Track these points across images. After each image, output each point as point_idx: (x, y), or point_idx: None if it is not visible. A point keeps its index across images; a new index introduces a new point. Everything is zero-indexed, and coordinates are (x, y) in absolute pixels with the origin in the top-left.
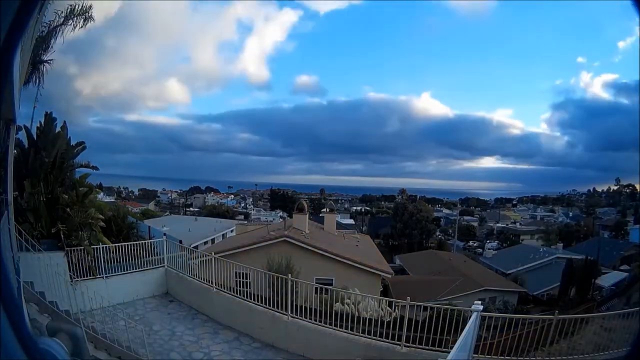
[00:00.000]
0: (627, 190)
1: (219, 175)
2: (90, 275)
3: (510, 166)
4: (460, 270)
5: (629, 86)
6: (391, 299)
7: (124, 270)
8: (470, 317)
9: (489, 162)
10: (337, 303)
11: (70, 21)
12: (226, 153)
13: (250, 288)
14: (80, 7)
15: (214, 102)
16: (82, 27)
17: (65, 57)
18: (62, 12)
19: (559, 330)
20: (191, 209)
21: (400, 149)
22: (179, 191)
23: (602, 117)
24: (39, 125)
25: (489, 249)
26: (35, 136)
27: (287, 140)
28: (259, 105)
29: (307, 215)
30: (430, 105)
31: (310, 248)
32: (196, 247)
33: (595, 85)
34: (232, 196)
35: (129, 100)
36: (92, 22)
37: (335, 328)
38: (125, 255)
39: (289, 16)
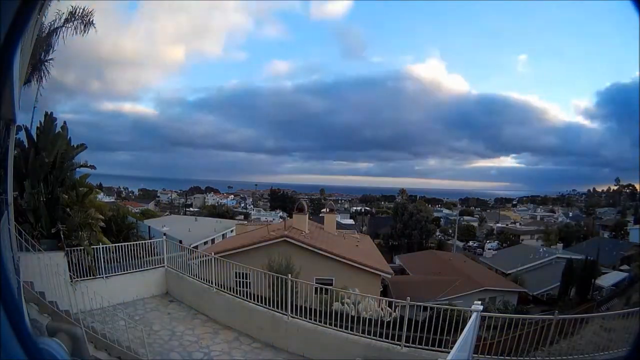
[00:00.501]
0: (627, 190)
1: (218, 175)
2: (90, 275)
3: (522, 166)
4: (460, 270)
5: None
6: (391, 299)
7: (124, 271)
8: (470, 317)
9: (506, 162)
10: (337, 303)
11: (71, 24)
12: (213, 150)
13: (250, 288)
14: (81, 11)
15: (209, 70)
16: (82, 31)
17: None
18: (63, 13)
19: (559, 331)
20: (191, 209)
21: (414, 145)
22: (179, 191)
23: None
24: (39, 125)
25: (489, 249)
26: (35, 136)
27: (287, 132)
28: (258, 83)
29: (307, 215)
30: (458, 86)
31: (310, 248)
32: (196, 247)
33: None
34: (232, 196)
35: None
36: (93, 28)
37: (335, 328)
38: (125, 255)
39: None
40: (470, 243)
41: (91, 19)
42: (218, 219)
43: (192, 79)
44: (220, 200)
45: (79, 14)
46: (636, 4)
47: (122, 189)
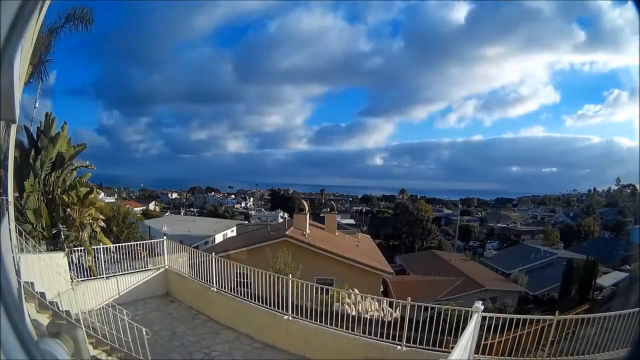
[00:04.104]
0: (627, 191)
1: (219, 176)
2: (90, 276)
3: None
4: (461, 270)
5: None
6: (392, 299)
7: (125, 271)
8: (470, 317)
9: None
10: (337, 303)
11: (71, 22)
12: None
13: (250, 288)
14: (80, 10)
15: None
16: (82, 28)
17: None
18: (63, 14)
19: (560, 331)
20: (192, 209)
21: None
22: (180, 191)
23: None
24: (39, 125)
25: (490, 249)
26: (35, 136)
27: None
28: None
29: (308, 215)
30: None
31: (310, 248)
32: (197, 247)
33: None
34: (233, 196)
35: None
36: (91, 24)
37: (335, 328)
38: (126, 255)
39: None
40: (471, 243)
41: (90, 17)
42: (218, 219)
43: None
44: (221, 201)
45: (78, 14)
46: (636, 4)
47: (122, 189)
